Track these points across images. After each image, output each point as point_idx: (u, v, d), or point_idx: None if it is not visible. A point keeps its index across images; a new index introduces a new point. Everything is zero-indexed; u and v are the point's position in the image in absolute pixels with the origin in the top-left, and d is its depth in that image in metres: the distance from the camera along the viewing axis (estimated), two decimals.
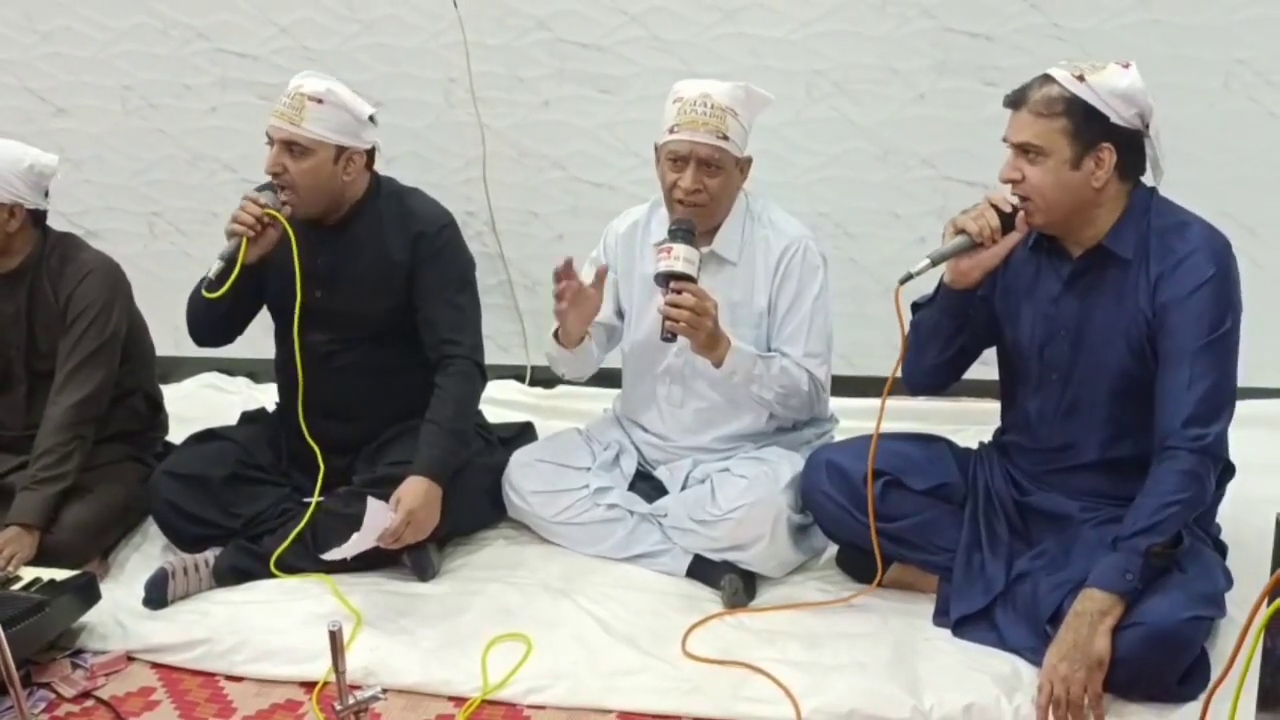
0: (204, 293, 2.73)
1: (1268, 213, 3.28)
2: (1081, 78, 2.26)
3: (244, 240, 2.72)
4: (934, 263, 2.34)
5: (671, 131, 2.67)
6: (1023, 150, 2.31)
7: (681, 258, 2.54)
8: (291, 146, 2.75)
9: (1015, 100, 2.33)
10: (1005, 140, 2.35)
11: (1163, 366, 2.30)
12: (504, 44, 3.66)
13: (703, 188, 2.67)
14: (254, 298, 2.96)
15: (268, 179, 2.81)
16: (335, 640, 1.76)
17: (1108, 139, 2.27)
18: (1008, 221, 2.34)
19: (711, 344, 2.61)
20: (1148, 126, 2.29)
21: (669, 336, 2.58)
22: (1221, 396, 2.28)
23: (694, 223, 2.64)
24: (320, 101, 2.74)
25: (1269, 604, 1.42)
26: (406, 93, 3.77)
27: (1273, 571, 1.69)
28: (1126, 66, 2.28)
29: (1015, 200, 2.34)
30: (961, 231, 2.35)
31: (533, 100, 3.71)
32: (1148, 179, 2.38)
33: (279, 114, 2.75)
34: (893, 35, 3.41)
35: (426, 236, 2.88)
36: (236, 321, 2.98)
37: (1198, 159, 3.23)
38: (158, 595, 2.74)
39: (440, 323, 2.86)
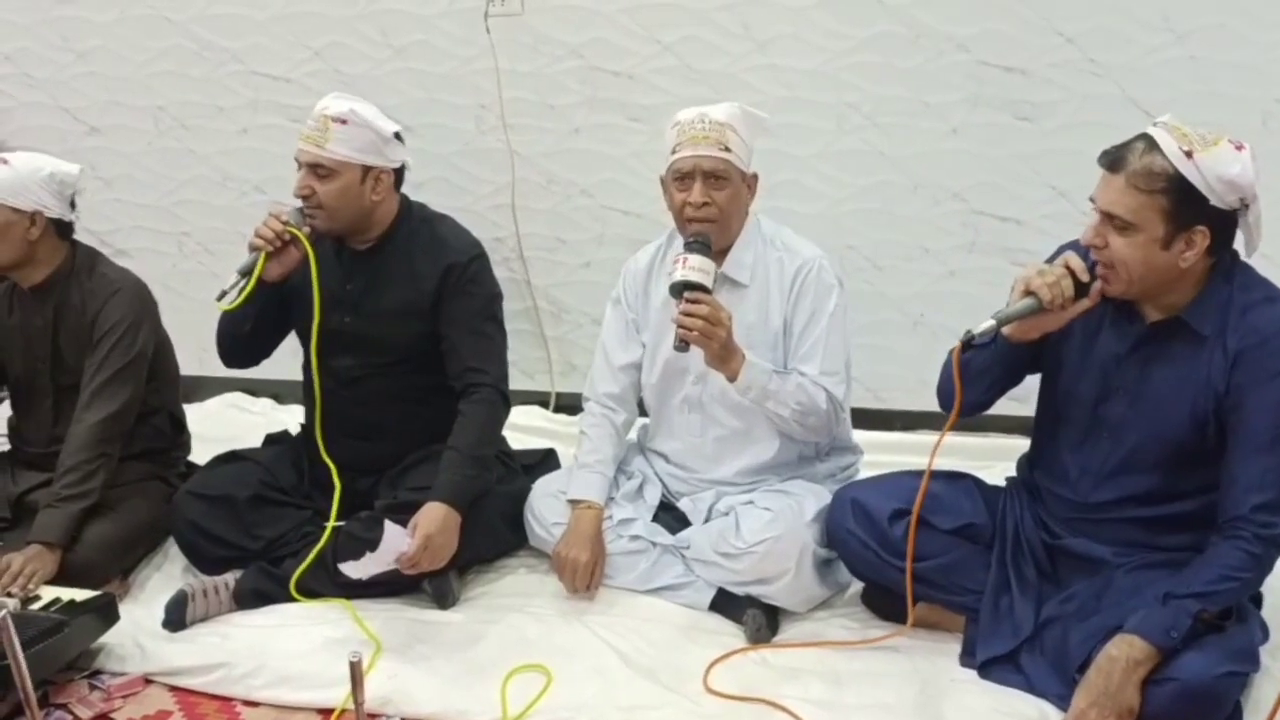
0: (216, 303, 2.73)
1: None
2: (1190, 154, 2.11)
3: (263, 255, 2.72)
4: (1000, 325, 2.25)
5: (674, 152, 2.68)
6: (1111, 218, 2.19)
7: (696, 268, 2.53)
8: (317, 169, 2.76)
9: (1113, 162, 2.19)
10: (1093, 201, 2.23)
11: (1234, 446, 2.23)
12: (535, 70, 3.67)
13: (711, 200, 2.66)
14: (279, 320, 2.96)
15: (297, 201, 2.81)
16: (355, 671, 1.74)
17: (1204, 222, 2.14)
18: (1081, 289, 2.25)
19: (726, 356, 2.60)
20: (1248, 208, 2.18)
21: (682, 346, 2.55)
22: None
23: (710, 236, 2.63)
24: (344, 122, 2.75)
25: None
26: (437, 118, 3.78)
27: None
28: (1240, 148, 2.13)
29: (1090, 267, 2.25)
30: (1031, 293, 2.24)
31: (563, 128, 3.71)
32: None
33: (305, 137, 2.76)
34: (925, 68, 3.40)
35: (457, 267, 2.88)
36: (262, 343, 2.98)
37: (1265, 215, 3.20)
38: (177, 617, 2.73)
39: (466, 351, 2.86)
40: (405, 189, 2.97)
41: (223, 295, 2.73)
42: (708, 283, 2.54)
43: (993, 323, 2.24)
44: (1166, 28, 3.21)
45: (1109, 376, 2.36)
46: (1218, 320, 2.24)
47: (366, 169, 2.80)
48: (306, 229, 2.78)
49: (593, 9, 3.58)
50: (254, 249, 2.74)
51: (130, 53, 3.98)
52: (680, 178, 2.68)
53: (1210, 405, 2.25)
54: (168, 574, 2.99)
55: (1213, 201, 2.13)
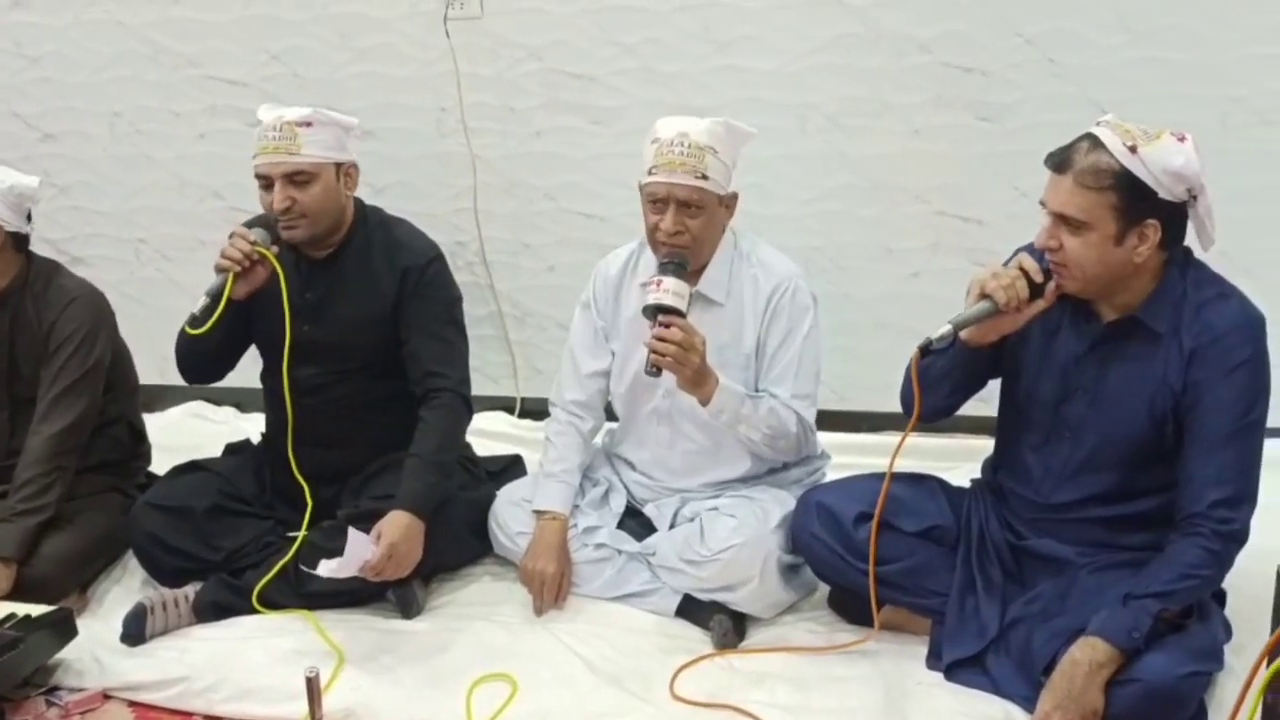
0: (187, 329, 2.68)
1: (1265, 251, 3.26)
2: (1134, 149, 2.13)
3: (231, 276, 2.68)
4: (956, 330, 2.26)
5: (650, 173, 2.62)
6: (1063, 219, 2.20)
7: (670, 291, 2.51)
8: (295, 177, 2.73)
9: (1059, 163, 2.20)
10: (1043, 204, 2.24)
11: (1191, 444, 2.25)
12: (496, 74, 3.64)
13: (684, 229, 2.62)
14: (243, 333, 2.93)
15: (258, 211, 2.78)
16: (312, 687, 1.72)
17: (1154, 215, 2.16)
18: (1036, 290, 2.26)
19: (698, 381, 2.58)
20: (1196, 199, 2.19)
21: (654, 371, 2.54)
22: (1250, 483, 2.24)
23: (686, 257, 2.61)
24: (309, 124, 2.73)
25: (1269, 664, 1.39)
26: (397, 122, 3.75)
27: (1274, 626, 1.66)
28: (1182, 140, 2.15)
29: (1045, 265, 2.27)
30: (986, 296, 2.25)
31: (524, 131, 3.69)
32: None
33: (271, 150, 2.72)
34: (886, 69, 3.40)
35: (415, 270, 2.86)
36: (227, 358, 2.95)
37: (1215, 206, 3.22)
38: (136, 631, 2.69)
39: (426, 356, 2.84)
40: (365, 193, 2.95)
41: (193, 320, 2.68)
42: (682, 306, 2.52)
43: (949, 328, 2.25)
44: (1124, 28, 3.22)
45: (1068, 377, 2.37)
46: (1172, 318, 2.26)
47: (338, 165, 2.80)
48: (274, 248, 2.75)
49: (552, 11, 3.56)
50: (221, 270, 2.69)
51: (84, 58, 3.92)
52: (654, 201, 2.64)
53: (1168, 403, 2.26)
54: (127, 587, 2.95)
55: (1161, 194, 2.14)
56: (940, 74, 3.37)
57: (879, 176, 3.50)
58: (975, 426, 3.22)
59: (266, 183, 2.75)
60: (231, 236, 2.73)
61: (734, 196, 2.71)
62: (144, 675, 2.58)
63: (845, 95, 3.45)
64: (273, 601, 2.76)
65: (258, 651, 2.62)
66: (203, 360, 2.90)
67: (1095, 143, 2.17)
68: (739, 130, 2.68)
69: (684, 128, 2.61)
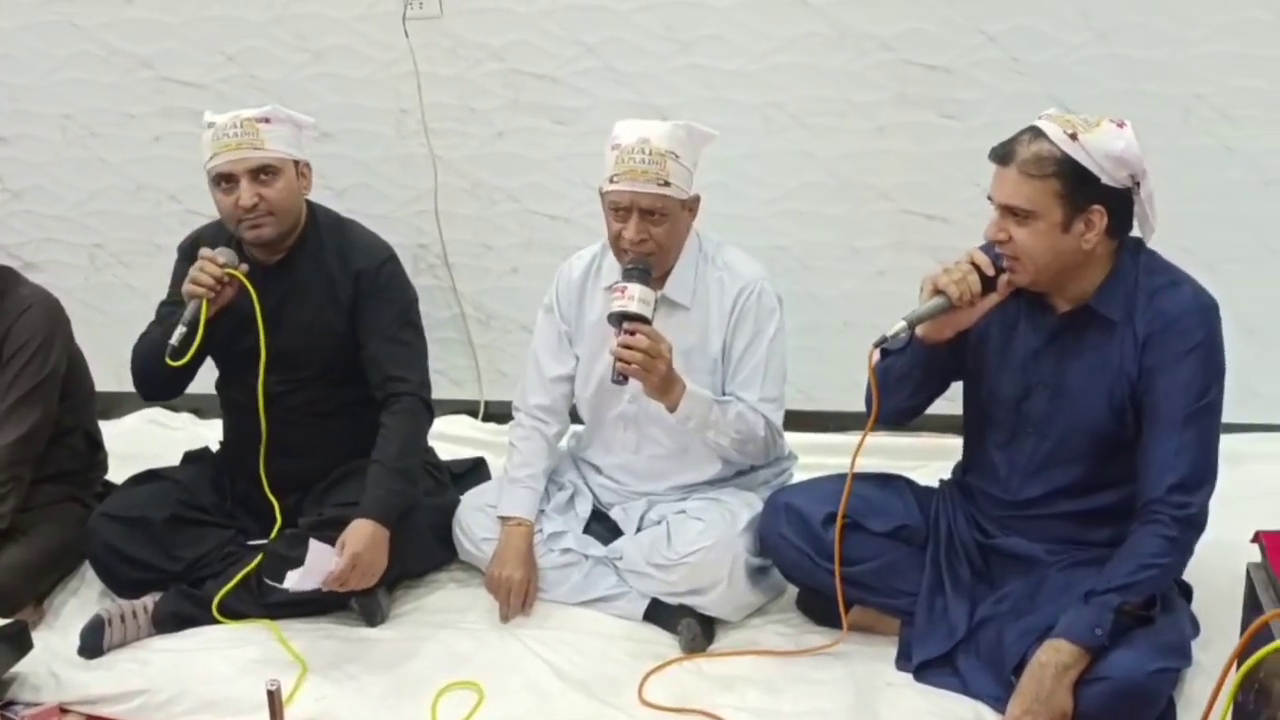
0: (168, 360, 2.62)
1: (1227, 247, 3.28)
2: (1074, 136, 2.16)
3: (204, 302, 2.64)
4: (911, 326, 2.27)
5: (612, 181, 2.59)
6: (1010, 211, 2.22)
7: (636, 298, 2.49)
8: (261, 173, 2.70)
9: (1002, 155, 2.23)
10: (990, 199, 2.26)
11: (1149, 430, 2.26)
12: (456, 74, 3.61)
13: (648, 236, 2.60)
14: (201, 349, 2.87)
15: (214, 216, 2.74)
16: (273, 700, 1.68)
17: (1099, 201, 2.19)
18: (988, 284, 2.27)
19: (665, 388, 2.56)
20: (1139, 185, 2.22)
21: (620, 379, 2.51)
22: (1207, 466, 2.25)
23: (650, 262, 2.59)
24: (268, 120, 2.71)
25: (1238, 667, 1.38)
26: (357, 124, 3.70)
27: (1243, 626, 1.65)
28: (1121, 125, 2.19)
29: (997, 259, 2.28)
30: (939, 292, 2.27)
31: (486, 132, 3.66)
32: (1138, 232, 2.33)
33: (233, 146, 2.68)
34: (850, 67, 3.38)
35: (369, 272, 2.83)
36: (189, 375, 2.88)
37: (1156, 194, 3.22)
38: (93, 643, 2.65)
39: (385, 360, 2.81)
40: (325, 196, 2.91)
41: (174, 352, 2.62)
42: (648, 313, 2.49)
43: (904, 324, 2.26)
44: (1087, 26, 3.22)
45: (1028, 373, 2.38)
46: (1126, 306, 2.27)
47: (296, 163, 2.78)
48: (244, 266, 2.71)
49: (513, 11, 3.52)
50: (193, 296, 2.65)
51: (36, 60, 3.85)
52: (617, 209, 2.62)
53: (1126, 391, 2.28)
54: (84, 599, 2.90)
55: (1104, 180, 2.17)
56: (904, 72, 3.36)
57: (844, 175, 3.49)
58: (943, 425, 3.21)
59: (229, 182, 2.70)
60: (199, 261, 2.68)
61: (696, 199, 2.69)
62: (102, 688, 2.54)
63: (809, 94, 3.44)
64: (234, 611, 2.73)
65: (219, 662, 2.59)
66: (158, 378, 2.83)
67: (1037, 133, 2.21)
68: (700, 132, 2.66)
69: (645, 133, 2.59)
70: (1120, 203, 2.22)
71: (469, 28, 3.56)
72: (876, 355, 2.35)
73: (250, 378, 2.81)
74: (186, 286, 2.66)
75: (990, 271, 2.27)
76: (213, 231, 2.92)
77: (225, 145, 2.69)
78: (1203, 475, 2.23)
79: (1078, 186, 2.17)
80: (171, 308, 2.83)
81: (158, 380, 2.84)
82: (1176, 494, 2.20)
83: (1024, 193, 2.19)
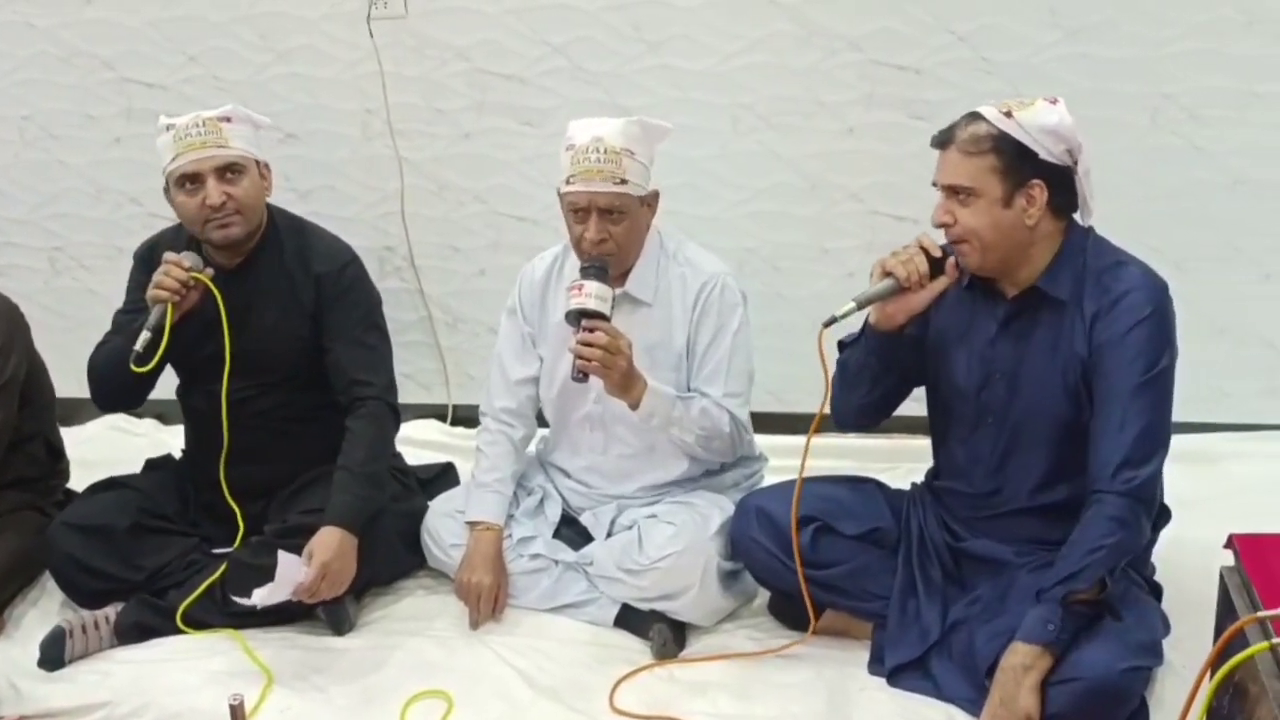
0: (134, 367, 2.57)
1: (1195, 247, 3.29)
2: (1009, 114, 2.22)
3: (170, 307, 2.59)
4: (859, 306, 2.30)
5: (568, 182, 2.58)
6: (953, 192, 2.26)
7: (593, 295, 2.47)
8: (227, 171, 2.66)
9: (943, 140, 2.29)
10: (935, 183, 2.30)
11: (1097, 408, 2.26)
12: (422, 74, 3.58)
13: (608, 236, 2.58)
14: (168, 354, 2.83)
15: (176, 220, 2.70)
16: (236, 716, 1.65)
17: (1037, 175, 2.23)
18: (937, 266, 2.30)
19: (626, 385, 2.54)
20: (1077, 163, 2.26)
21: (580, 377, 2.50)
22: (1155, 438, 2.24)
23: (607, 261, 2.57)
24: (229, 119, 2.69)
25: (1211, 676, 1.36)
26: (322, 124, 3.67)
27: (1217, 631, 1.64)
28: (1054, 102, 2.25)
29: (946, 246, 2.30)
30: (888, 274, 2.30)
31: (452, 133, 3.63)
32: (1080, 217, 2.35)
33: (197, 146, 2.64)
34: (819, 68, 3.37)
35: (330, 276, 2.80)
36: (150, 383, 2.82)
37: (1125, 193, 3.23)
38: (54, 655, 2.61)
39: (349, 364, 2.78)
40: (290, 198, 2.88)
41: (139, 358, 2.57)
42: (605, 310, 2.48)
43: (853, 304, 2.29)
44: (1056, 25, 3.22)
45: (986, 363, 2.39)
46: (1075, 288, 2.29)
47: (258, 162, 2.75)
48: (210, 270, 2.67)
49: (479, 11, 3.49)
50: (158, 301, 2.60)
51: None
52: (575, 210, 2.60)
53: (1079, 373, 2.29)
54: (44, 609, 2.85)
55: (1041, 155, 2.21)
56: (873, 72, 3.35)
57: (813, 176, 3.48)
58: (913, 426, 3.20)
59: (194, 183, 2.66)
60: (164, 265, 2.63)
61: (655, 195, 2.68)
62: (64, 701, 2.50)
63: (778, 94, 3.42)
64: (198, 621, 2.69)
65: (183, 673, 2.55)
66: (120, 387, 2.78)
67: (974, 116, 2.27)
68: (654, 127, 2.65)
69: (598, 132, 2.57)
70: (1060, 178, 2.25)
71: (435, 27, 3.53)
72: (826, 337, 2.33)
73: (213, 384, 2.77)
74: (151, 291, 2.61)
75: (937, 253, 2.30)
76: (170, 237, 2.88)
77: (189, 145, 2.65)
78: (1150, 448, 2.23)
79: (1015, 162, 2.21)
80: (129, 316, 2.79)
81: (118, 389, 2.79)
82: (1124, 470, 2.20)
83: (964, 171, 2.24)
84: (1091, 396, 2.28)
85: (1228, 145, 3.24)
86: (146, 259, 2.84)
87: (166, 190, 2.74)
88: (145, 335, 2.57)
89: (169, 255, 2.65)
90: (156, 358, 2.58)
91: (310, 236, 2.86)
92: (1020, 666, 2.17)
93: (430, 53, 3.56)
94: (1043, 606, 2.19)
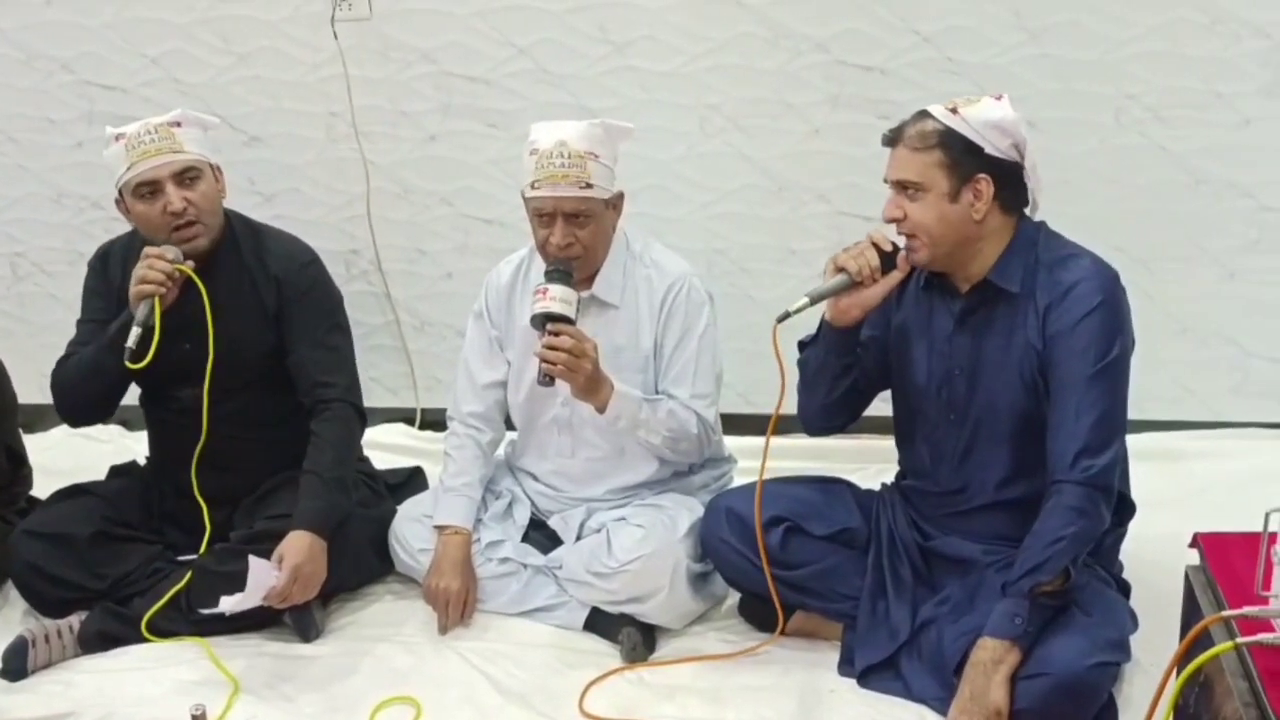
0: (129, 364, 2.53)
1: (1159, 246, 3.31)
2: (955, 110, 2.25)
3: (157, 300, 2.56)
4: (813, 301, 2.33)
5: (533, 187, 2.57)
6: (902, 187, 2.29)
7: (558, 299, 2.46)
8: (184, 176, 2.63)
9: (892, 138, 2.32)
10: (885, 180, 2.33)
11: (1053, 399, 2.27)
12: (387, 77, 3.55)
13: (575, 240, 2.57)
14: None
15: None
16: None
17: (983, 170, 2.24)
18: (889, 261, 2.32)
19: (592, 388, 2.53)
20: (1024, 158, 2.27)
21: (546, 381, 2.49)
22: (1111, 426, 2.25)
23: (572, 265, 2.56)
24: (180, 124, 2.65)
25: (1178, 674, 1.37)
26: (286, 127, 3.64)
27: (1183, 630, 1.65)
28: (999, 98, 2.28)
29: (898, 240, 2.32)
30: (841, 270, 2.33)
31: (418, 135, 3.61)
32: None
33: (152, 153, 2.60)
34: (785, 69, 3.37)
35: (289, 277, 2.78)
36: (121, 391, 2.79)
37: (1089, 193, 3.25)
38: (17, 665, 2.58)
39: (311, 365, 2.76)
40: (255, 201, 2.85)
41: (132, 355, 2.53)
42: (570, 313, 2.47)
43: (806, 300, 2.33)
44: (1020, 26, 3.24)
45: (945, 359, 2.40)
46: (1027, 281, 2.31)
47: (212, 166, 2.72)
48: (191, 263, 2.63)
49: (444, 12, 3.48)
50: (145, 296, 2.55)
51: None
52: (541, 215, 2.58)
53: (1034, 365, 2.30)
54: (6, 619, 2.81)
55: (988, 150, 2.23)
56: (839, 73, 3.36)
57: (780, 177, 3.48)
58: (882, 427, 3.20)
59: (151, 190, 2.62)
60: (145, 260, 2.58)
61: (620, 197, 2.67)
62: (27, 711, 2.46)
63: (745, 95, 3.42)
64: (163, 629, 2.66)
65: (148, 683, 2.52)
66: (89, 399, 2.75)
67: (922, 114, 2.30)
68: (616, 129, 2.64)
69: (561, 135, 2.56)
70: (1007, 173, 2.27)
71: (399, 29, 3.52)
72: (780, 333, 2.36)
73: (180, 389, 2.75)
74: (136, 287, 2.56)
75: (887, 247, 2.33)
76: (124, 243, 2.84)
77: (144, 153, 2.61)
78: (1107, 436, 2.24)
79: (961, 157, 2.23)
80: (91, 325, 2.76)
81: (89, 402, 2.76)
82: (1081, 459, 2.20)
83: (911, 166, 2.26)
84: (1049, 389, 2.29)
85: (1191, 145, 3.26)
86: (100, 268, 2.81)
87: (119, 201, 2.70)
88: (136, 331, 2.53)
89: (149, 250, 2.60)
90: (151, 352, 2.54)
91: (267, 238, 2.83)
92: (990, 661, 2.17)
93: (395, 55, 3.54)
94: (1009, 600, 2.20)
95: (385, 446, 3.52)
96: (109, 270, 2.80)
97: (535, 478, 2.88)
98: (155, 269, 2.57)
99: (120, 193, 2.67)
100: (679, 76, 3.43)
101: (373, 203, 3.66)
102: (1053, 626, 2.20)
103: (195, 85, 3.61)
